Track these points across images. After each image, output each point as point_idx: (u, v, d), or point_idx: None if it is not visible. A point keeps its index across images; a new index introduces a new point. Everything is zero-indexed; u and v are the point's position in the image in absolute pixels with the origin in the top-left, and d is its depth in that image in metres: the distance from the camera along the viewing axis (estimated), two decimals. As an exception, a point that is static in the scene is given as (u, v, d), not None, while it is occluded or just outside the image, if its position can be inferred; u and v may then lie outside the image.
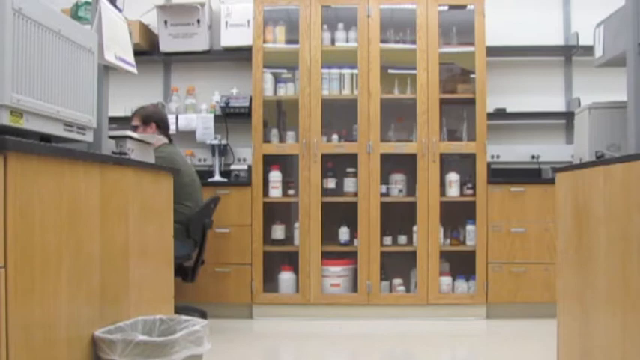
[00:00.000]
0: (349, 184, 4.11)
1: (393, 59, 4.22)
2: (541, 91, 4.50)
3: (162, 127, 3.70)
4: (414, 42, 4.11)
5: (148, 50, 4.46)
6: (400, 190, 4.13)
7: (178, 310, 3.55)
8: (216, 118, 4.49)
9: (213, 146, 4.42)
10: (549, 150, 4.43)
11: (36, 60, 1.70)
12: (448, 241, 4.12)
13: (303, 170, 4.09)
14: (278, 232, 4.24)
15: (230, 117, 4.43)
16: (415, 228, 4.05)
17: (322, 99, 4.12)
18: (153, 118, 3.65)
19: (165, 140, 3.67)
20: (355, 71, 4.14)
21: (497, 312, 3.97)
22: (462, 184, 4.12)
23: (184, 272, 3.54)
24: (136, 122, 3.65)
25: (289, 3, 4.17)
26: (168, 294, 2.75)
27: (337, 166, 4.20)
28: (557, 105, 4.51)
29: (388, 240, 4.11)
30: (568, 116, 4.38)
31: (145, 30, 4.46)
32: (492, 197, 3.98)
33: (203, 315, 3.61)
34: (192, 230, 3.51)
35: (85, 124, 2.02)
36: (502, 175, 4.26)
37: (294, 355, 3.24)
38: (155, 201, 2.60)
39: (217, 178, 4.36)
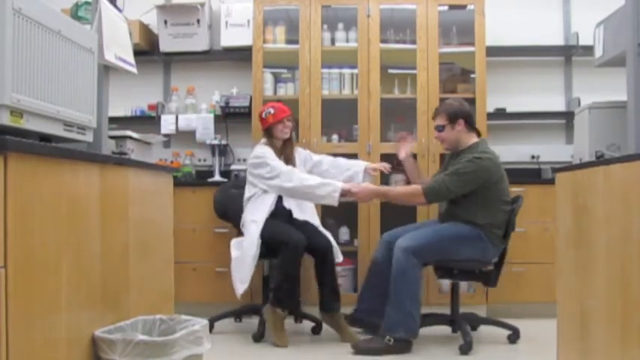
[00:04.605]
0: (349, 184, 4.10)
1: (393, 59, 4.22)
2: (541, 91, 4.51)
3: (470, 122, 3.37)
4: (414, 42, 4.11)
5: (148, 50, 4.46)
6: (400, 190, 4.12)
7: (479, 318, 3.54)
8: (216, 118, 4.49)
9: (213, 146, 4.42)
10: (549, 150, 4.43)
11: (36, 60, 1.70)
12: (448, 241, 4.11)
13: (303, 170, 4.08)
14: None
15: (230, 117, 4.43)
16: (415, 228, 4.05)
17: (322, 99, 4.12)
18: (460, 115, 3.32)
19: (476, 138, 3.37)
20: (355, 71, 4.14)
21: (497, 312, 3.97)
22: (462, 184, 4.11)
23: (485, 277, 3.36)
24: (441, 121, 3.33)
25: (289, 3, 4.17)
26: (169, 294, 2.75)
27: (337, 166, 4.19)
28: (557, 105, 4.51)
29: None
30: (568, 116, 4.38)
31: (145, 30, 4.46)
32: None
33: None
34: (509, 233, 3.30)
35: (85, 124, 2.03)
36: (502, 175, 4.25)
37: (293, 355, 3.24)
38: (155, 201, 2.60)
39: (217, 178, 4.36)
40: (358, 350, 3.16)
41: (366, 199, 3.52)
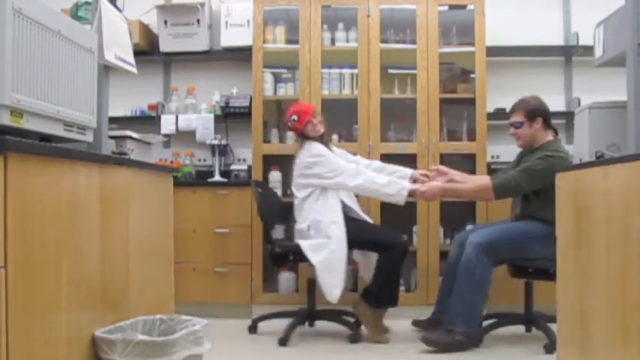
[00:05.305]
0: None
1: (393, 59, 4.22)
2: (541, 91, 4.43)
3: (548, 120, 3.35)
4: (414, 42, 4.11)
5: (148, 50, 4.46)
6: (400, 190, 4.12)
7: None
8: (216, 118, 4.49)
9: (213, 146, 4.42)
10: (549, 150, 4.42)
11: (36, 60, 1.70)
12: (448, 241, 4.12)
13: (303, 170, 4.08)
14: (278, 232, 4.24)
15: (230, 117, 4.43)
16: (415, 228, 4.05)
17: (322, 99, 4.12)
18: (539, 113, 3.31)
19: (551, 137, 3.35)
20: (355, 71, 4.14)
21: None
22: (462, 184, 4.10)
23: None
24: (518, 118, 3.34)
25: (289, 3, 4.17)
26: (169, 294, 2.75)
27: (337, 166, 4.19)
28: (557, 105, 4.51)
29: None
30: (568, 116, 4.37)
31: (145, 30, 4.46)
32: (492, 197, 3.98)
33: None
34: None
35: (85, 124, 2.03)
36: (502, 175, 4.25)
37: (294, 355, 3.24)
38: (155, 201, 2.60)
39: (217, 178, 4.36)
40: (427, 342, 3.16)
41: (433, 199, 3.50)
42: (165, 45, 4.45)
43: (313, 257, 3.33)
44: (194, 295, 3.94)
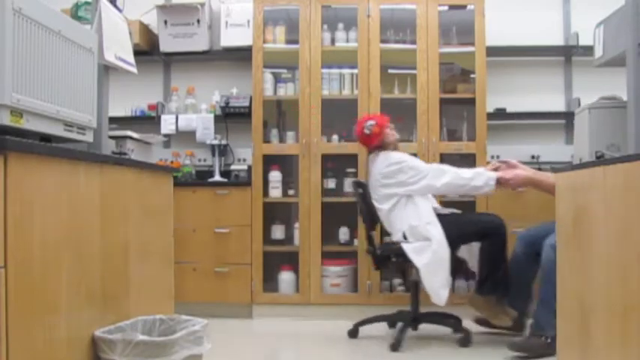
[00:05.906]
0: (349, 184, 4.11)
1: (393, 59, 4.22)
2: (541, 91, 4.50)
3: None
4: (414, 42, 4.11)
5: (148, 50, 4.46)
6: (400, 190, 4.11)
7: None
8: (216, 118, 4.49)
9: (213, 146, 4.42)
10: (549, 150, 4.42)
11: (36, 60, 1.70)
12: (448, 241, 4.11)
13: (303, 170, 4.09)
14: (278, 232, 4.24)
15: (230, 117, 4.43)
16: (415, 228, 4.05)
17: (322, 99, 4.12)
18: None
19: None
20: (355, 71, 4.14)
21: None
22: (462, 184, 4.10)
23: None
24: None
25: (289, 3, 4.18)
26: (169, 294, 2.75)
27: (337, 166, 4.19)
28: (557, 105, 4.51)
29: (388, 240, 4.10)
30: (568, 116, 4.38)
31: (145, 30, 4.46)
32: (493, 197, 3.97)
33: None
34: None
35: (85, 124, 2.03)
36: (502, 175, 4.24)
37: (293, 355, 3.24)
38: (155, 201, 2.60)
39: (217, 178, 4.36)
40: (517, 348, 3.06)
41: (519, 187, 3.40)
42: (166, 45, 4.45)
43: (417, 260, 3.23)
44: (194, 295, 3.94)
